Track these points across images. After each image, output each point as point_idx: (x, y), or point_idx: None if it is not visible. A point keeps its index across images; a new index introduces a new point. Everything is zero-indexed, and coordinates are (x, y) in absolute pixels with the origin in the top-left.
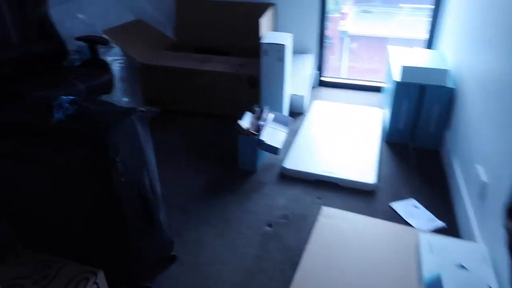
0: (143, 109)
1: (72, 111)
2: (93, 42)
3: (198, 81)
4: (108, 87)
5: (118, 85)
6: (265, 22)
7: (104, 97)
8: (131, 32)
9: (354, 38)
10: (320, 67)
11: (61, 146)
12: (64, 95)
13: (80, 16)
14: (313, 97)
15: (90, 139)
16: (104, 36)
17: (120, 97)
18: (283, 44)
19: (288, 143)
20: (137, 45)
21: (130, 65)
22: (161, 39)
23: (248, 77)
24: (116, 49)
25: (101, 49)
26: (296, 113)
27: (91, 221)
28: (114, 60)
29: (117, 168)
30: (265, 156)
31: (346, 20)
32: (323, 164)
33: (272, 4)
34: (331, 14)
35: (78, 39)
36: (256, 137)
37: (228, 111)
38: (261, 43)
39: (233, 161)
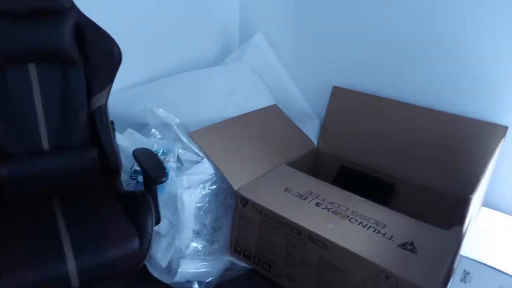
0: None
1: None
2: (144, 171)
3: (316, 254)
4: (135, 261)
5: (191, 220)
6: (478, 198)
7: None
8: (251, 128)
9: None
10: None
11: None
12: None
13: (160, 110)
14: None
15: None
16: (191, 138)
17: (188, 239)
18: (506, 274)
19: None
20: (247, 154)
21: (222, 191)
22: (297, 141)
23: None
24: (206, 164)
25: (181, 151)
26: None
27: None
28: (200, 181)
29: None
30: None
31: None
32: None
33: (503, 127)
34: None
35: (135, 155)
36: None
37: None
38: (461, 256)
39: None
